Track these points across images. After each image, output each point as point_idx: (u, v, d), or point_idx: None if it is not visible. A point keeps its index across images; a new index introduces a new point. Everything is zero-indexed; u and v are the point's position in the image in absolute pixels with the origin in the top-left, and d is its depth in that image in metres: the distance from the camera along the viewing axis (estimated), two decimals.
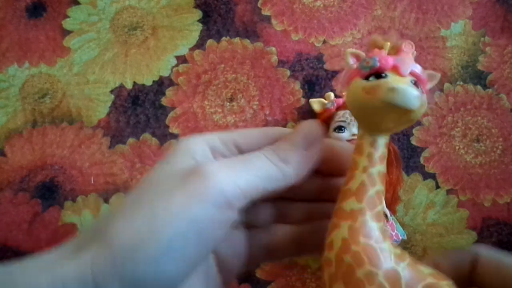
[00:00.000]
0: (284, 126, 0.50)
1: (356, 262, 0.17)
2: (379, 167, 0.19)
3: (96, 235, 0.17)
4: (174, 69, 0.52)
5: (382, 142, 0.19)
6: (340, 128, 0.45)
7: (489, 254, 0.20)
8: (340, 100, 0.47)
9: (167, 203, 0.17)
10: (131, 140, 0.50)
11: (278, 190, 0.19)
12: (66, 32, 0.54)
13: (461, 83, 0.51)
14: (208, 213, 0.17)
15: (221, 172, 0.18)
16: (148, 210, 0.17)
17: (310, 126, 0.21)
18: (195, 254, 0.17)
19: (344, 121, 0.45)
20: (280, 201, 0.22)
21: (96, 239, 0.17)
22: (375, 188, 0.18)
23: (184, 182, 0.17)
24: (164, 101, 0.51)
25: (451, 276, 0.18)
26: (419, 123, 0.50)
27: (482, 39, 0.52)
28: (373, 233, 0.18)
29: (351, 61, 0.20)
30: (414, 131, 0.50)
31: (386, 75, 0.18)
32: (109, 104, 0.51)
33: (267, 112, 0.50)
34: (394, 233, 0.44)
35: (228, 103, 0.51)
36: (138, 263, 0.16)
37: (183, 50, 0.53)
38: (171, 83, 0.52)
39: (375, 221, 0.18)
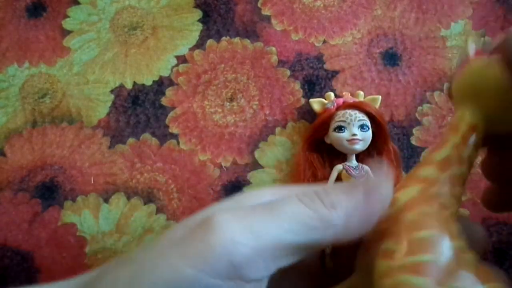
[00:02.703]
0: (284, 126, 0.50)
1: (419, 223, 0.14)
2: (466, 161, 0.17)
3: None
4: (174, 69, 0.52)
5: (476, 136, 0.17)
6: (340, 128, 0.45)
7: None
8: (340, 100, 0.47)
9: (154, 265, 0.13)
10: (131, 140, 0.50)
11: (317, 246, 0.14)
12: (66, 32, 0.54)
13: None
14: (202, 283, 0.12)
15: (232, 225, 0.13)
16: (132, 270, 0.13)
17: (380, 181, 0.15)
18: None
19: (344, 121, 0.45)
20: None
21: None
22: (460, 170, 0.17)
23: (185, 238, 0.13)
24: (164, 101, 0.51)
25: None
26: (419, 123, 0.50)
27: (482, 39, 0.52)
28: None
29: (472, 46, 0.19)
30: (414, 131, 0.50)
31: None
32: (109, 104, 0.51)
33: (267, 112, 0.50)
34: None
35: (228, 103, 0.51)
36: None
37: (183, 50, 0.53)
38: (171, 83, 0.52)
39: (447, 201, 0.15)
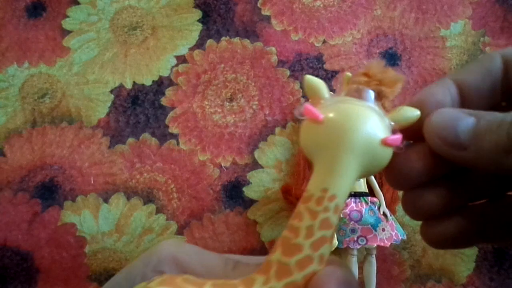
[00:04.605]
0: (284, 126, 0.50)
1: None
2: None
3: None
4: (174, 69, 0.52)
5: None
6: None
7: None
8: None
9: None
10: (130, 140, 0.50)
11: None
12: (65, 32, 0.54)
13: None
14: None
15: None
16: None
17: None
18: None
19: None
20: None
21: None
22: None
23: None
24: (163, 101, 0.51)
25: (481, 89, 0.17)
26: None
27: (482, 39, 0.52)
28: None
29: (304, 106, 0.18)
30: None
31: None
32: (108, 104, 0.51)
33: (267, 112, 0.50)
34: (394, 233, 0.44)
35: (227, 103, 0.51)
36: None
37: (183, 50, 0.53)
38: (170, 83, 0.52)
39: None
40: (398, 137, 0.17)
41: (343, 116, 0.17)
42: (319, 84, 0.18)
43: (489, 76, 0.18)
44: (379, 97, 0.18)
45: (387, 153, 0.17)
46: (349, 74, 0.19)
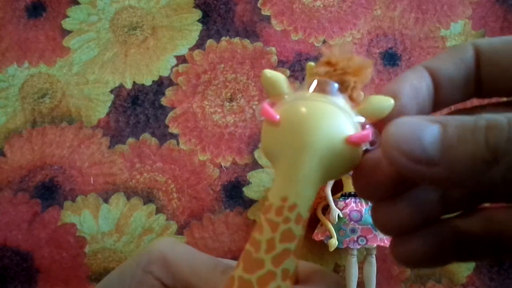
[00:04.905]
0: None
1: None
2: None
3: None
4: (174, 69, 0.52)
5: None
6: None
7: (489, 40, 0.16)
8: None
9: None
10: (130, 140, 0.50)
11: None
12: (65, 32, 0.54)
13: None
14: None
15: None
16: None
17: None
18: None
19: None
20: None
21: None
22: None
23: None
24: (163, 101, 0.51)
25: (455, 79, 0.15)
26: None
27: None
28: None
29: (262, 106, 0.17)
30: None
31: None
32: (108, 104, 0.51)
33: None
34: None
35: (227, 103, 0.51)
36: None
37: (183, 50, 0.53)
38: (170, 83, 0.52)
39: None
40: (366, 133, 0.15)
41: (299, 115, 0.15)
42: (278, 78, 0.16)
43: (462, 65, 0.16)
44: (343, 88, 0.16)
45: (355, 152, 0.15)
46: (311, 63, 0.17)
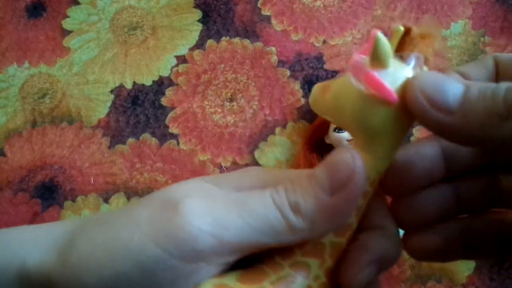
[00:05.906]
0: (284, 126, 0.50)
1: None
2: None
3: (67, 244, 0.15)
4: (174, 69, 0.52)
5: None
6: (340, 128, 0.45)
7: (508, 55, 0.17)
8: None
9: (127, 239, 0.14)
10: (131, 140, 0.50)
11: (284, 244, 0.15)
12: (66, 32, 0.54)
13: None
14: (166, 263, 0.13)
15: (199, 215, 0.14)
16: (107, 236, 0.14)
17: (342, 158, 0.15)
18: None
19: None
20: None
21: (66, 247, 0.15)
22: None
23: (155, 219, 0.14)
24: (163, 101, 0.51)
25: (481, 80, 0.17)
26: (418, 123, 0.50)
27: (482, 39, 0.52)
28: None
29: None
30: (414, 131, 0.50)
31: None
32: (108, 104, 0.51)
33: (267, 112, 0.50)
34: None
35: (228, 103, 0.51)
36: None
37: (183, 50, 0.53)
38: (170, 83, 0.52)
39: None
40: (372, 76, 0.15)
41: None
42: (389, 48, 0.15)
43: (486, 73, 0.17)
44: (425, 62, 0.16)
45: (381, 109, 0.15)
46: (400, 27, 0.16)
